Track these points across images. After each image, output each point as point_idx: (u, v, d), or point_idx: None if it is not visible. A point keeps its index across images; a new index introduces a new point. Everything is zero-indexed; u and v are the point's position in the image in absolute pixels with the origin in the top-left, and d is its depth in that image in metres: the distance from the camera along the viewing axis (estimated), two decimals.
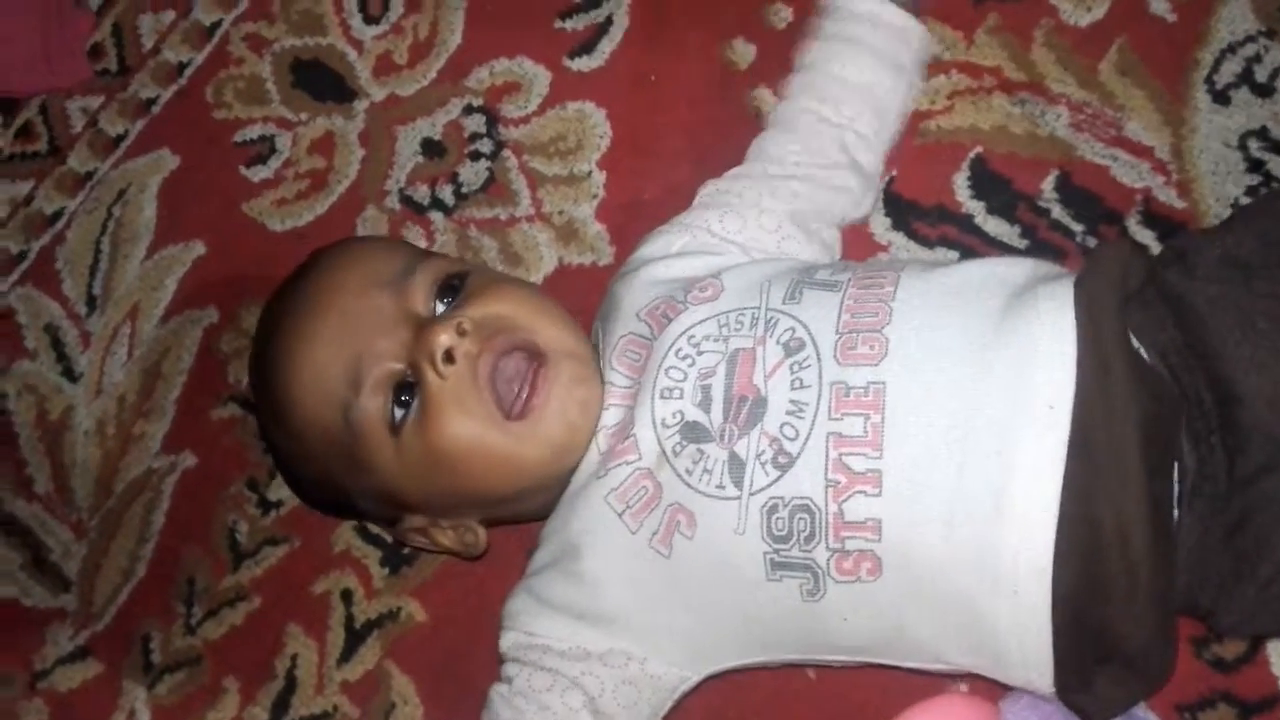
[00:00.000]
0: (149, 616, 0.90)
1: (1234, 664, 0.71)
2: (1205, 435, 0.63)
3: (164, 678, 0.88)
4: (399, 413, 0.71)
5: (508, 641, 0.73)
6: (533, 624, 0.72)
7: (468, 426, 0.69)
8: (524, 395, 0.70)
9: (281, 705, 0.85)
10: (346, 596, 0.86)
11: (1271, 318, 0.62)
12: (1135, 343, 0.65)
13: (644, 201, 0.88)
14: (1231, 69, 0.80)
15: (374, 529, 0.87)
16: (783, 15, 0.89)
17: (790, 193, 0.78)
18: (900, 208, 0.83)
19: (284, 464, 0.86)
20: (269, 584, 0.88)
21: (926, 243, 0.83)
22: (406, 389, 0.71)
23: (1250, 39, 0.80)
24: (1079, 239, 0.80)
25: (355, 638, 0.85)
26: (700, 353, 0.69)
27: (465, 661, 0.78)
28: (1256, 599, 0.62)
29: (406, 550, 0.86)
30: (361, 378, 0.71)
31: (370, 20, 0.99)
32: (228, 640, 0.88)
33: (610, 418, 0.71)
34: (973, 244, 0.82)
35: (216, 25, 1.02)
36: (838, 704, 0.76)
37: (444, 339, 0.69)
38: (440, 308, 0.73)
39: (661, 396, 0.69)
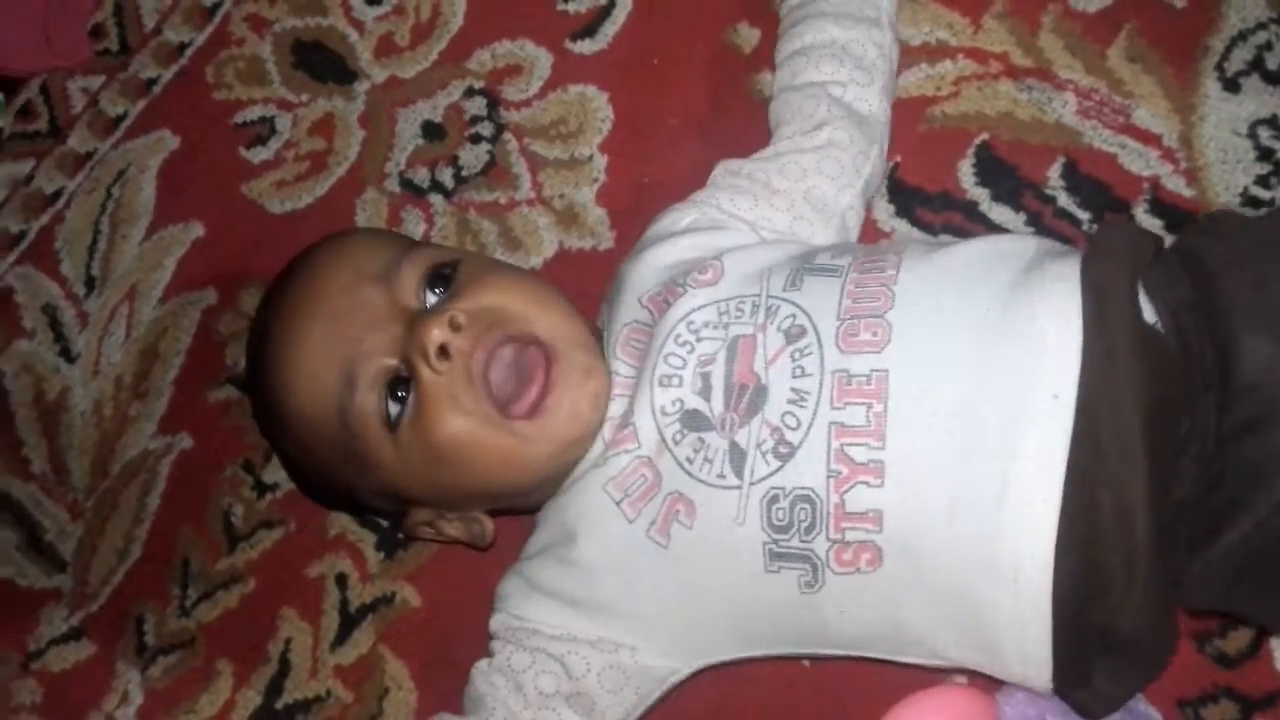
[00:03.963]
0: (143, 598, 0.90)
1: (1237, 659, 0.70)
2: (1202, 392, 0.62)
3: (157, 659, 0.88)
4: (395, 409, 0.70)
5: (496, 622, 0.73)
6: (522, 608, 0.72)
7: (462, 423, 0.68)
8: (534, 393, 0.69)
9: (275, 689, 0.85)
10: (341, 580, 0.86)
11: None
12: (1145, 306, 0.64)
13: (645, 186, 0.87)
14: (1242, 56, 0.79)
15: None
16: None
17: (799, 169, 0.76)
18: (904, 194, 0.82)
19: (288, 464, 0.84)
20: (264, 567, 0.88)
21: (930, 230, 0.82)
22: (401, 384, 0.70)
23: (1261, 26, 0.79)
24: (1085, 227, 0.79)
25: (349, 622, 0.85)
26: (700, 339, 0.68)
27: (460, 646, 0.77)
28: (1214, 568, 0.61)
29: (401, 534, 0.85)
30: (355, 376, 0.70)
31: (372, 1, 0.98)
32: (222, 623, 0.88)
33: (615, 408, 0.70)
34: (977, 231, 0.80)
35: (218, 5, 1.02)
36: (836, 693, 0.75)
37: (437, 334, 0.67)
38: (431, 298, 0.71)
39: (660, 384, 0.68)
